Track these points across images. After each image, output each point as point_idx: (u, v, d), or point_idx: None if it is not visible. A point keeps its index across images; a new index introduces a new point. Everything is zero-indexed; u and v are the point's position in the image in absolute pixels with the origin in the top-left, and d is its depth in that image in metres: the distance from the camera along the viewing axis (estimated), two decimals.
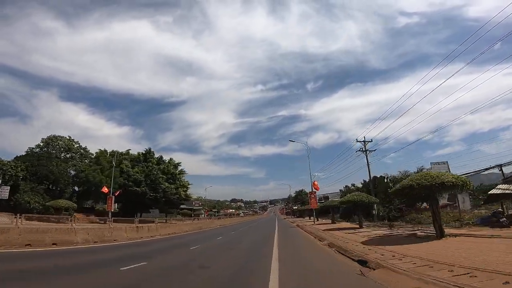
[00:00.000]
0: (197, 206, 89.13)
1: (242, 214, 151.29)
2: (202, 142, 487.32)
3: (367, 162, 32.66)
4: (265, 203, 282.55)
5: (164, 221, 37.68)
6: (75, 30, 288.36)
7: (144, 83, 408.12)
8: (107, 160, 49.88)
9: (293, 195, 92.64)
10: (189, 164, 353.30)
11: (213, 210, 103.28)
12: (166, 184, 49.72)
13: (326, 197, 69.68)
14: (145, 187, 47.71)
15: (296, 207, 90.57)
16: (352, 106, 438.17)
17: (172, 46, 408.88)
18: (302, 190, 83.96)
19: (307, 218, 58.57)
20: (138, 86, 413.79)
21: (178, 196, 51.12)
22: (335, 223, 29.88)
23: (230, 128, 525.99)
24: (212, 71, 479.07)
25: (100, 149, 52.32)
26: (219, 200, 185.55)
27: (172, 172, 52.41)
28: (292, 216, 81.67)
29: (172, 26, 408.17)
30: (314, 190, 33.93)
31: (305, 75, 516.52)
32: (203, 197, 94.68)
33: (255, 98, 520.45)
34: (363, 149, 32.92)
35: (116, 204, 49.54)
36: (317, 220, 36.37)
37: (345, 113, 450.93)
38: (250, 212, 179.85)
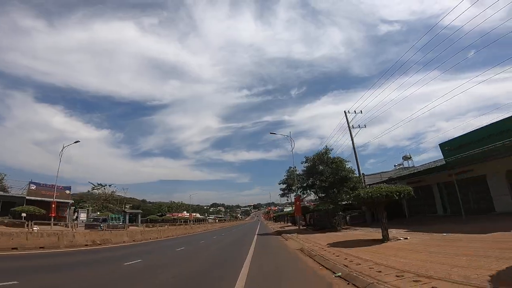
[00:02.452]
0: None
1: (211, 220, 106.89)
2: (185, 147, 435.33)
3: None
4: (248, 208, 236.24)
5: None
6: (56, 29, 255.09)
7: (126, 85, 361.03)
8: None
9: (304, 165, 26.62)
10: (171, 169, 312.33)
11: (134, 212, 57.86)
12: None
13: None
14: None
15: (310, 203, 40.26)
16: (334, 112, 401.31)
17: (157, 48, 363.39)
18: (326, 149, 27.64)
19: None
20: (119, 89, 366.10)
21: None
22: None
23: (215, 133, 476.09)
24: (197, 74, 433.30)
25: None
26: (198, 205, 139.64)
27: None
28: (291, 224, 38.20)
29: (158, 28, 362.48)
30: None
31: (290, 81, 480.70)
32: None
33: (241, 103, 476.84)
34: None
35: None
36: None
37: (327, 120, 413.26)
38: (225, 219, 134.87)
